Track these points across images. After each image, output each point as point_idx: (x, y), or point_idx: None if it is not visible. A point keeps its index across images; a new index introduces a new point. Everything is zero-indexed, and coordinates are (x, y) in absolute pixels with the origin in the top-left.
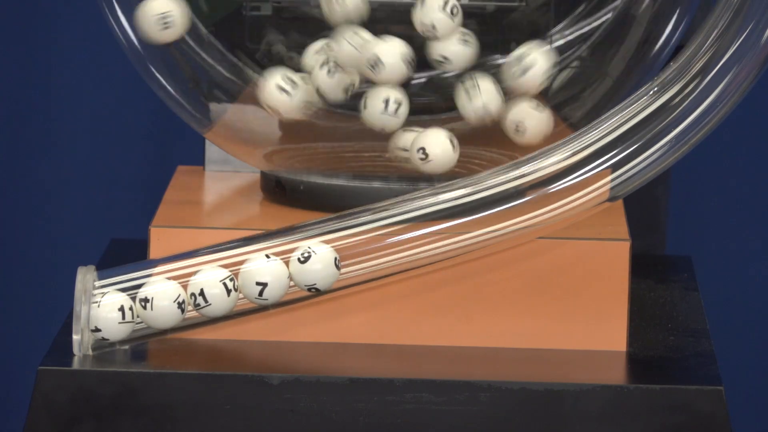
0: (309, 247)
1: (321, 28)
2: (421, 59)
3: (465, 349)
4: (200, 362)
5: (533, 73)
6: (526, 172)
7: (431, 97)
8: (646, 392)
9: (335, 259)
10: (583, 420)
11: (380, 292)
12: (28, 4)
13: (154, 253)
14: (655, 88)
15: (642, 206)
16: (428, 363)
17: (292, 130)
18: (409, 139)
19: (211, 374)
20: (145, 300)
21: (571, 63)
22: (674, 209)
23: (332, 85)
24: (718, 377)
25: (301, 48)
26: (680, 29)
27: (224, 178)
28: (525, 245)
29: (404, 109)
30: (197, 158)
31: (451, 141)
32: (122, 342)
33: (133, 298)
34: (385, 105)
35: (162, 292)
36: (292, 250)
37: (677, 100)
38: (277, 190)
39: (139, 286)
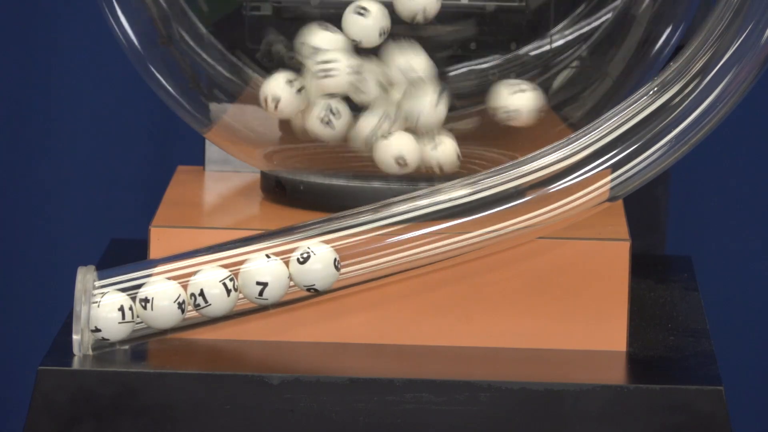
0: (308, 248)
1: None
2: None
3: (465, 349)
4: (200, 362)
5: (517, 117)
6: (526, 172)
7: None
8: (646, 392)
9: (335, 259)
10: (583, 420)
11: (380, 292)
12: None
13: (154, 253)
14: (655, 88)
15: (642, 206)
16: (428, 363)
17: (292, 130)
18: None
19: (211, 374)
20: (145, 300)
21: (571, 63)
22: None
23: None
24: (718, 377)
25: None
26: (680, 29)
27: (224, 178)
28: (525, 245)
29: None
30: (197, 158)
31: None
32: (122, 342)
33: (133, 298)
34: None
35: (162, 292)
36: (292, 250)
37: (677, 100)
38: (277, 190)
39: (139, 286)
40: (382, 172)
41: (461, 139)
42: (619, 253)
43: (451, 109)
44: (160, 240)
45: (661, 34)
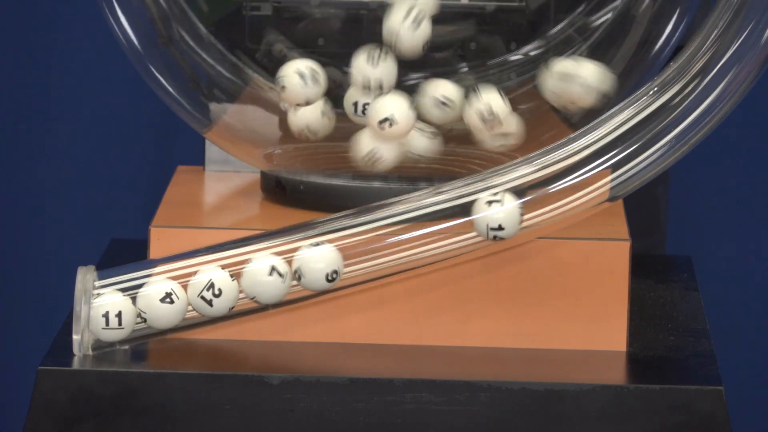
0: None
1: (321, 28)
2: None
3: (465, 349)
4: (200, 362)
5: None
6: (526, 172)
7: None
8: (646, 392)
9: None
10: (583, 420)
11: (380, 292)
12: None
13: (154, 253)
14: (655, 88)
15: (642, 206)
16: (428, 363)
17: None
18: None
19: (211, 374)
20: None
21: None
22: (674, 209)
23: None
24: (718, 377)
25: (300, 48)
26: (680, 29)
27: (224, 178)
28: (525, 245)
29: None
30: (197, 158)
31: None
32: (122, 342)
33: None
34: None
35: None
36: (292, 250)
37: (677, 100)
38: (277, 190)
39: (139, 286)
40: (381, 172)
41: (461, 139)
42: (619, 253)
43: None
44: (160, 240)
45: (661, 34)
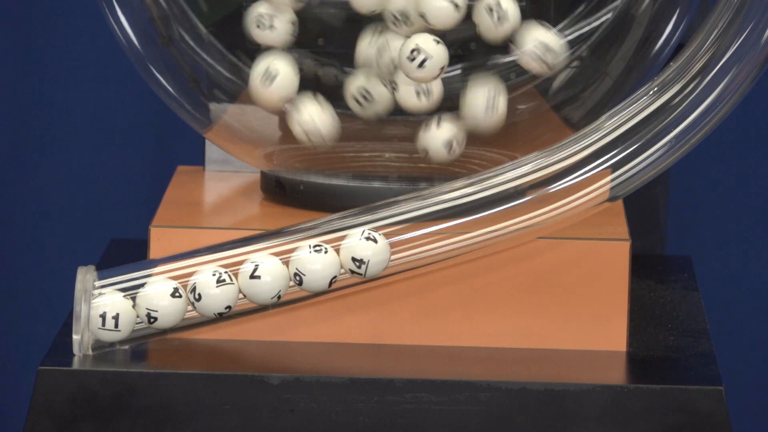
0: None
1: (321, 28)
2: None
3: (465, 349)
4: (200, 362)
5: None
6: (526, 172)
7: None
8: (646, 392)
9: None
10: (583, 420)
11: (380, 292)
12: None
13: (154, 253)
14: (655, 88)
15: (642, 206)
16: (428, 363)
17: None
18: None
19: (211, 374)
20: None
21: (571, 63)
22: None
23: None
24: (718, 377)
25: (301, 48)
26: (680, 29)
27: (224, 178)
28: (525, 245)
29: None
30: (197, 158)
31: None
32: (122, 342)
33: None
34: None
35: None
36: (292, 250)
37: (677, 100)
38: (277, 190)
39: (139, 286)
40: (382, 172)
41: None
42: (619, 253)
43: (450, 108)
44: (160, 240)
45: (661, 34)
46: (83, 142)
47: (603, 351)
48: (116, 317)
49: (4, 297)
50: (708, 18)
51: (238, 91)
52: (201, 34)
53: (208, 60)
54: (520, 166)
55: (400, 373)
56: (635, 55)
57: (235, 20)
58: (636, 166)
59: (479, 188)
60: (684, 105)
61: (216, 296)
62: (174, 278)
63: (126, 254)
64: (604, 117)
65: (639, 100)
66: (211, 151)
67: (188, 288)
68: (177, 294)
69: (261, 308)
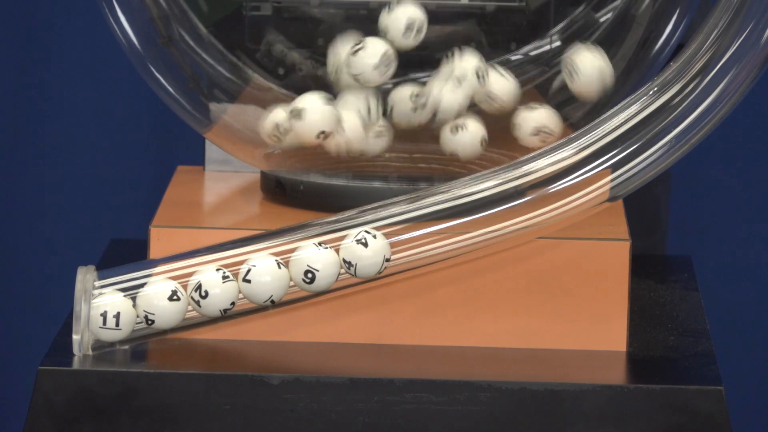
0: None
1: (320, 28)
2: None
3: (465, 349)
4: (200, 362)
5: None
6: (526, 172)
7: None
8: (646, 392)
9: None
10: (583, 420)
11: (380, 292)
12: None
13: (154, 253)
14: (655, 88)
15: (642, 206)
16: (428, 363)
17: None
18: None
19: (211, 374)
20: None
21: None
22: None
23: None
24: (718, 377)
25: (300, 48)
26: (680, 29)
27: (224, 178)
28: (525, 245)
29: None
30: (197, 158)
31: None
32: (122, 342)
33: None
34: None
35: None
36: (292, 250)
37: (677, 100)
38: (277, 190)
39: (139, 286)
40: (382, 172)
41: None
42: (619, 253)
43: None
44: (160, 240)
45: (661, 34)
46: (83, 142)
47: (603, 351)
48: (117, 316)
49: (4, 297)
50: (708, 18)
51: (238, 91)
52: (201, 34)
53: (208, 60)
54: (520, 166)
55: (400, 373)
56: (635, 55)
57: (235, 20)
58: (636, 166)
59: (479, 188)
60: (684, 105)
61: (222, 293)
62: (174, 278)
63: (126, 254)
64: (603, 117)
65: (639, 100)
66: (211, 151)
67: (192, 287)
68: (175, 297)
69: (261, 308)
